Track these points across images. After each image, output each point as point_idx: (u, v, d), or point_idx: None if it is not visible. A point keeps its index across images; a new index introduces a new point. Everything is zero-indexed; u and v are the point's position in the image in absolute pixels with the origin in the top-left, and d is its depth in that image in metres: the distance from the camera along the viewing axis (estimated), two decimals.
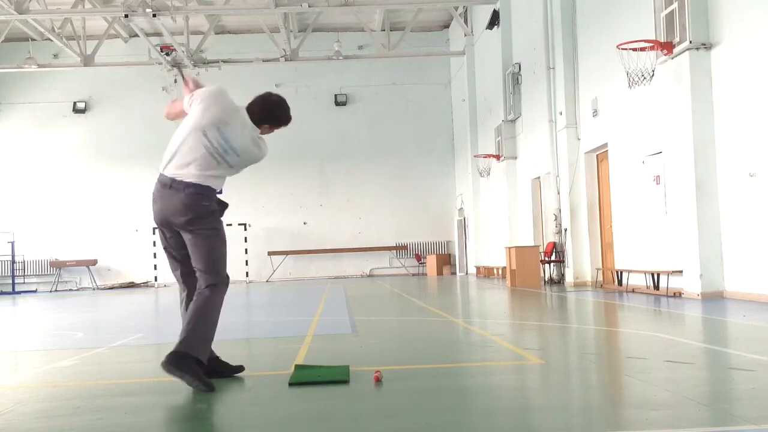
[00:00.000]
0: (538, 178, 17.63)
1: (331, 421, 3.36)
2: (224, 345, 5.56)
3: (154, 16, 18.94)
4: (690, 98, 9.84)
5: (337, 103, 28.49)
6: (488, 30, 20.70)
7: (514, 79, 18.79)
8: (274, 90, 4.80)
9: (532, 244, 17.22)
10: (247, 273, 26.58)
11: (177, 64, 5.85)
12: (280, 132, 4.71)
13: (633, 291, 11.81)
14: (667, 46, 10.17)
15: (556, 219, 15.84)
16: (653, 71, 10.67)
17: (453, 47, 27.34)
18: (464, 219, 26.31)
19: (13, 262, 26.38)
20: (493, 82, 20.89)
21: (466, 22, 24.19)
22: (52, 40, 22.75)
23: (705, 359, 4.88)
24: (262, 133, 4.54)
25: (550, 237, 16.53)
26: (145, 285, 26.47)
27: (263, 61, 23.87)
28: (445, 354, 5.65)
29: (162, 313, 12.35)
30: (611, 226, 13.64)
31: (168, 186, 4.34)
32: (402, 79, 28.30)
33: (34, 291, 26.36)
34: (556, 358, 5.18)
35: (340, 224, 28.24)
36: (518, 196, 19.28)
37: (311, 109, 27.23)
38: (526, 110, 18.18)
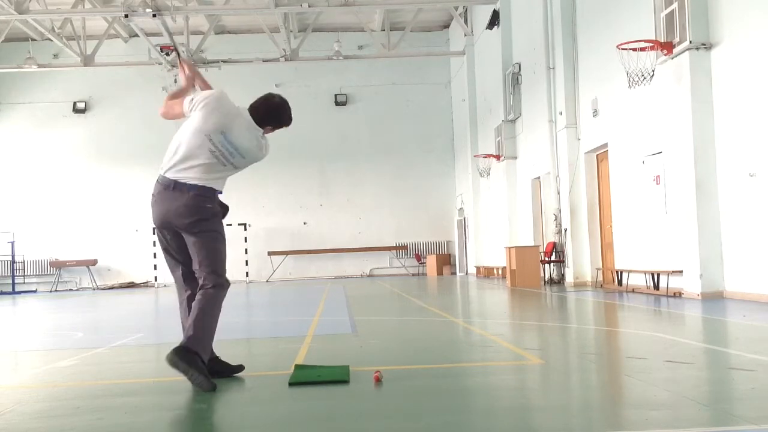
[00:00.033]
0: (538, 178, 17.63)
1: (331, 421, 3.36)
2: (224, 345, 5.56)
3: (154, 16, 18.93)
4: (690, 98, 9.84)
5: (337, 103, 28.49)
6: (488, 30, 20.70)
7: (514, 79, 18.79)
8: (274, 90, 4.81)
9: (532, 244, 17.22)
10: (247, 273, 26.58)
11: (175, 47, 5.78)
12: (280, 132, 4.73)
13: (633, 291, 11.81)
14: (667, 46, 10.17)
15: (556, 219, 15.84)
16: (653, 71, 10.67)
17: (453, 47, 27.34)
18: (464, 219, 26.31)
19: (13, 262, 26.39)
20: (493, 82, 20.89)
21: (466, 22, 24.19)
22: (52, 40, 22.76)
23: (705, 359, 4.88)
24: (264, 134, 4.58)
25: (550, 237, 16.53)
26: (145, 285, 26.47)
27: (263, 61, 23.87)
28: (445, 354, 5.65)
29: (162, 313, 12.35)
30: (611, 226, 13.64)
31: (170, 188, 4.34)
32: (402, 79, 28.30)
33: (34, 291, 26.36)
34: (556, 358, 5.18)
35: (340, 224, 28.24)
36: (518, 196, 19.28)
37: (311, 109, 27.22)
38: (526, 110, 18.18)
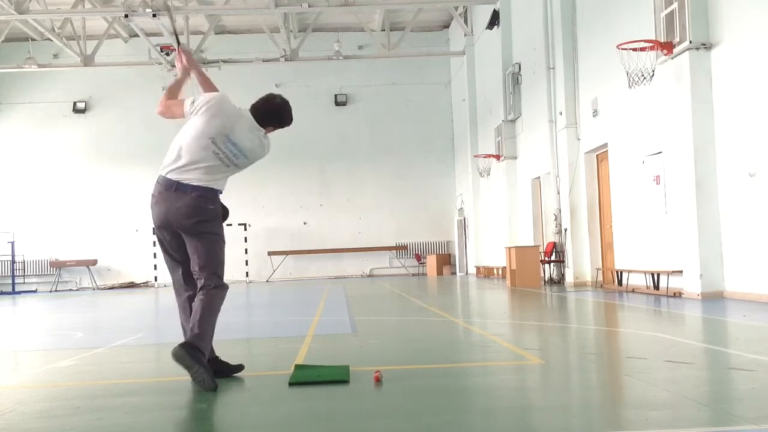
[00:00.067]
0: (538, 178, 17.64)
1: (331, 421, 3.36)
2: (224, 345, 5.56)
3: (154, 16, 18.93)
4: (690, 98, 9.84)
5: (337, 103, 28.49)
6: (488, 30, 20.70)
7: (514, 79, 18.79)
8: (274, 90, 4.82)
9: (532, 244, 17.22)
10: (247, 273, 26.59)
11: (176, 34, 5.77)
12: (280, 132, 4.74)
13: (633, 291, 11.81)
14: (667, 46, 10.17)
15: (556, 219, 15.84)
16: (653, 71, 10.67)
17: (453, 47, 27.34)
18: (464, 219, 26.32)
19: (13, 262, 26.39)
20: (493, 82, 20.89)
21: (466, 22, 24.19)
22: (52, 40, 22.76)
23: (705, 359, 4.88)
24: (265, 133, 4.60)
25: (550, 237, 16.53)
26: (145, 285, 26.47)
27: (263, 61, 23.87)
28: (445, 354, 5.65)
29: (162, 313, 12.36)
30: (611, 226, 13.64)
31: (172, 189, 4.35)
32: (402, 79, 28.30)
33: (34, 291, 26.36)
34: (556, 358, 5.18)
35: (340, 224, 28.24)
36: (518, 196, 19.28)
37: (311, 109, 27.22)
38: (526, 110, 18.18)
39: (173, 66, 22.21)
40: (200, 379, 4.12)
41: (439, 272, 26.59)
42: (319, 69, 27.35)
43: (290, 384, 4.19)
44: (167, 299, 16.36)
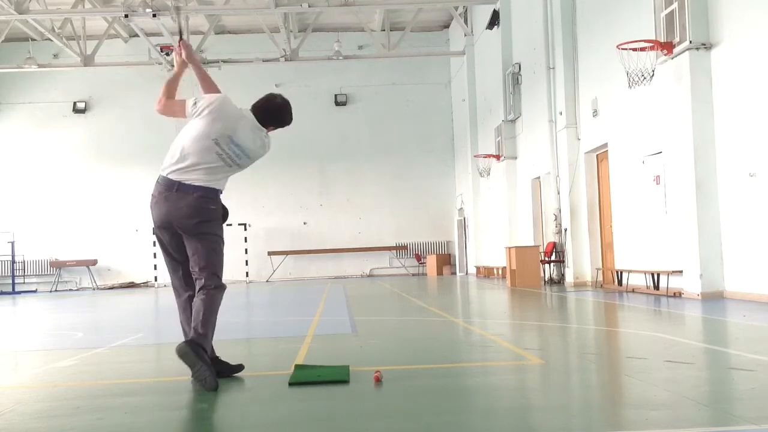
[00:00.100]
0: (538, 178, 17.64)
1: (331, 421, 3.36)
2: (224, 345, 5.56)
3: (154, 16, 18.94)
4: (690, 98, 9.84)
5: (337, 103, 28.49)
6: (488, 30, 20.70)
7: (514, 79, 18.79)
8: (274, 90, 4.83)
9: (532, 244, 17.22)
10: (247, 273, 26.59)
11: (180, 28, 5.75)
12: (280, 132, 4.75)
13: (633, 291, 11.81)
14: (667, 46, 10.17)
15: (556, 219, 15.84)
16: (653, 71, 10.67)
17: (453, 47, 27.34)
18: (464, 219, 26.31)
19: (13, 262, 26.39)
20: (493, 82, 20.89)
21: (466, 22, 24.19)
22: (52, 40, 22.76)
23: (705, 359, 4.88)
24: (266, 133, 4.62)
25: (550, 237, 16.53)
26: (145, 285, 26.47)
27: (263, 61, 23.87)
28: (445, 354, 5.65)
29: (162, 313, 12.36)
30: (611, 226, 13.64)
31: (174, 189, 4.35)
32: (402, 79, 28.30)
33: (34, 291, 26.36)
34: (556, 358, 5.18)
35: (340, 224, 28.24)
36: (518, 196, 19.28)
37: (311, 109, 27.22)
38: (526, 110, 18.18)
39: (173, 66, 22.24)
40: (202, 378, 4.12)
41: (439, 272, 26.59)
42: (319, 69, 27.35)
43: (290, 384, 4.19)
44: (167, 299, 16.36)
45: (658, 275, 11.11)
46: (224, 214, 4.57)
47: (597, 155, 14.41)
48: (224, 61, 23.37)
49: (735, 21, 9.31)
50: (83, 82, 27.37)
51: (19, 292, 25.47)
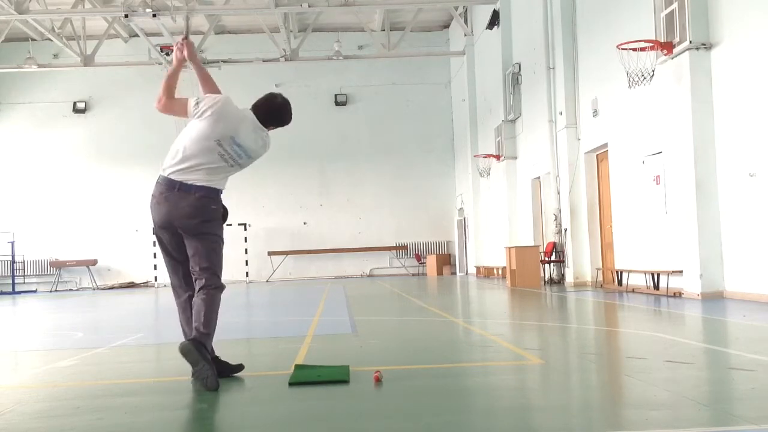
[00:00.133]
0: (538, 178, 17.64)
1: (331, 421, 3.36)
2: (224, 345, 5.56)
3: (154, 16, 18.93)
4: (690, 98, 9.84)
5: (337, 103, 28.49)
6: (488, 30, 20.70)
7: (514, 79, 18.79)
8: (274, 90, 4.83)
9: (532, 244, 17.22)
10: (247, 273, 26.59)
11: (186, 27, 5.75)
12: (280, 131, 4.76)
13: (633, 291, 11.81)
14: (667, 46, 10.17)
15: (556, 219, 15.84)
16: (653, 71, 10.67)
17: (453, 47, 27.34)
18: (464, 219, 26.31)
19: (13, 262, 26.39)
20: (493, 82, 20.89)
21: (466, 22, 24.19)
22: (52, 40, 22.75)
23: (705, 359, 4.88)
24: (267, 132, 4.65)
25: (550, 237, 16.53)
26: (145, 285, 26.47)
27: (263, 61, 23.87)
28: (445, 354, 5.65)
29: (162, 313, 12.37)
30: (611, 226, 13.64)
31: (175, 189, 4.35)
32: (402, 79, 28.30)
33: (34, 291, 26.36)
34: (556, 358, 5.18)
35: (340, 224, 28.24)
36: (518, 196, 19.28)
37: (311, 109, 27.21)
38: (526, 110, 18.18)
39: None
40: (204, 376, 4.12)
41: (439, 272, 26.59)
42: (319, 69, 27.35)
43: (290, 384, 4.19)
44: (167, 299, 16.36)
45: (658, 275, 11.11)
46: (224, 214, 4.58)
47: (597, 155, 14.41)
48: (224, 61, 23.37)
49: (735, 21, 9.31)
50: (83, 82, 27.37)
51: (19, 292, 25.47)
